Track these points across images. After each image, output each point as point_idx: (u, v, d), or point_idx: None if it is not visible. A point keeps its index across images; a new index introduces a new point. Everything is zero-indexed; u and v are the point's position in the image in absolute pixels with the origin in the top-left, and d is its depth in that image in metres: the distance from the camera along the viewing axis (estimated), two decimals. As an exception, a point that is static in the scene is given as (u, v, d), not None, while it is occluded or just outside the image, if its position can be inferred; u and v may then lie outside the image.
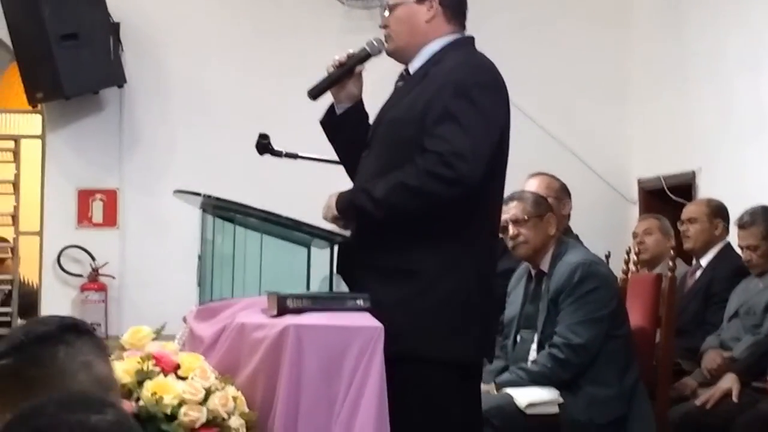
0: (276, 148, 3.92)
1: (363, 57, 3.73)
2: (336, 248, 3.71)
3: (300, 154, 3.97)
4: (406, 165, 3.47)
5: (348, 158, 3.81)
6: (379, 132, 3.68)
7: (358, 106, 3.80)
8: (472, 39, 3.74)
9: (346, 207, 3.58)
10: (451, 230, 3.53)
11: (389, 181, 3.50)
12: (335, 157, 3.96)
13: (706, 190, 6.91)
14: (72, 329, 2.08)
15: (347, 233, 3.67)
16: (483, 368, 3.97)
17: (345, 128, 3.78)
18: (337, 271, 3.68)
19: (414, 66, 3.68)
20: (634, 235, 6.54)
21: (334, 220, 3.65)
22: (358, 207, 3.55)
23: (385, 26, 3.73)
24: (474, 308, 3.59)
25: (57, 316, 2.14)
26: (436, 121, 3.47)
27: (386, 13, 3.73)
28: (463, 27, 3.73)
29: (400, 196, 3.48)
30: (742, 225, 5.64)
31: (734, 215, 5.92)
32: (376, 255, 3.57)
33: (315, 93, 3.80)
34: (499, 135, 3.58)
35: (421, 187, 3.44)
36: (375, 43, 3.73)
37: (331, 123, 3.82)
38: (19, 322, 7.87)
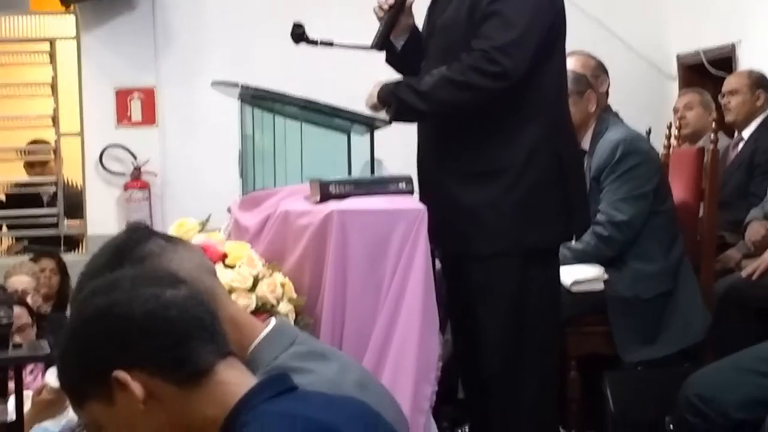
0: (311, 36, 3.88)
1: None
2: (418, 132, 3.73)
3: (335, 41, 3.93)
4: (452, 62, 3.46)
5: (410, 73, 3.75)
6: (433, 41, 3.66)
7: (414, 33, 3.75)
8: None
9: (389, 97, 3.55)
10: (523, 121, 3.52)
11: (434, 76, 3.48)
12: (371, 43, 3.94)
13: (746, 62, 6.82)
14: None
15: (386, 117, 3.67)
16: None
17: (409, 57, 3.73)
18: (418, 172, 3.69)
19: None
20: (675, 110, 6.51)
21: (374, 108, 3.64)
22: (402, 99, 3.53)
23: None
24: (560, 193, 3.60)
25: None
26: (480, 20, 3.45)
27: None
28: None
29: (446, 90, 3.46)
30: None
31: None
32: (457, 158, 3.56)
33: (379, 44, 3.71)
34: (549, 20, 3.52)
35: (466, 81, 3.41)
36: None
37: (395, 59, 3.79)
38: (66, 222, 7.98)
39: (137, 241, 2.15)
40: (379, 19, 3.69)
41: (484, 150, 3.51)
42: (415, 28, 3.75)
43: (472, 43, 3.44)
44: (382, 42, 3.70)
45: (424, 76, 3.53)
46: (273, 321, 2.26)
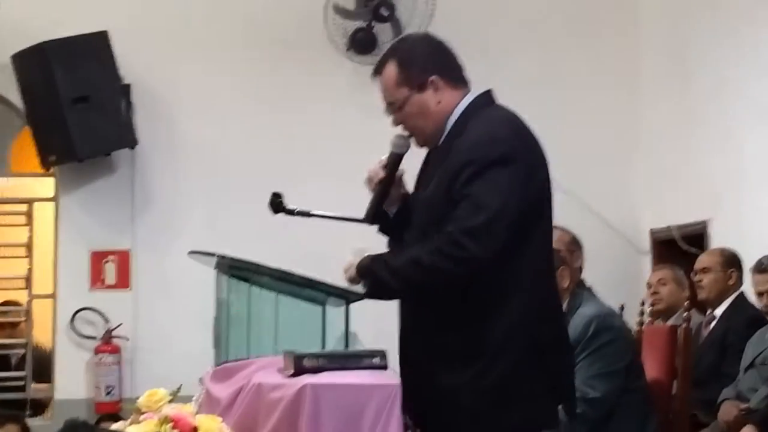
0: (289, 206, 3.88)
1: (396, 161, 3.61)
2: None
3: (312, 211, 3.94)
4: (426, 240, 3.44)
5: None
6: (415, 213, 3.62)
7: (406, 202, 3.71)
8: (489, 93, 3.63)
9: (364, 271, 3.52)
10: (503, 302, 3.44)
11: (405, 255, 3.47)
12: (348, 214, 3.94)
13: (718, 239, 6.89)
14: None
15: (362, 291, 3.64)
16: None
17: (400, 224, 3.68)
18: (399, 348, 3.60)
19: (442, 138, 3.60)
20: (648, 285, 6.53)
21: (351, 281, 3.62)
22: (376, 275, 3.49)
23: (399, 122, 3.61)
24: (542, 370, 3.51)
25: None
26: (455, 201, 3.41)
27: (393, 113, 3.61)
28: (467, 81, 3.63)
29: (413, 271, 3.42)
30: (762, 269, 5.63)
31: (747, 264, 5.92)
32: (434, 337, 3.48)
33: (370, 217, 3.67)
34: (527, 198, 3.46)
35: (431, 264, 3.36)
36: (399, 142, 3.61)
37: (387, 227, 3.74)
38: (33, 386, 7.86)
39: None
40: (371, 191, 3.67)
41: (463, 331, 3.43)
42: (407, 194, 3.72)
43: (443, 224, 3.41)
44: (373, 215, 3.67)
45: (400, 253, 3.52)
46: None
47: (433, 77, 3.54)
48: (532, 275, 3.53)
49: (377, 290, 3.53)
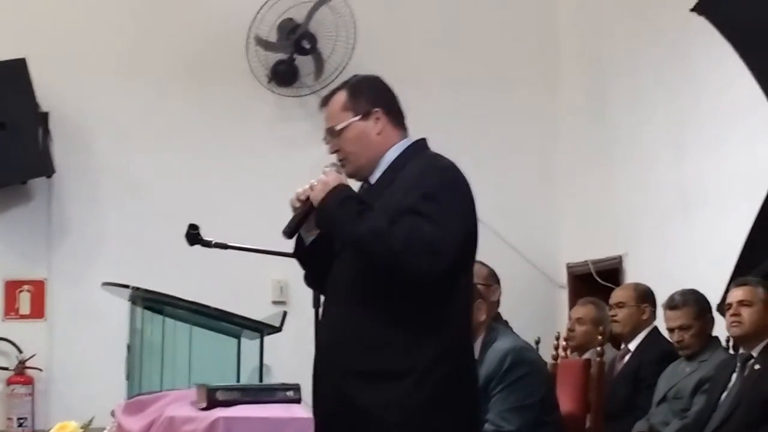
0: (206, 238, 3.87)
1: None
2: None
3: (229, 243, 3.93)
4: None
5: (315, 274, 3.68)
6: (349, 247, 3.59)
7: (324, 235, 3.66)
8: (424, 141, 3.67)
9: (332, 205, 3.43)
10: (440, 326, 3.43)
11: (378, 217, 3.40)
12: (264, 247, 3.92)
13: (632, 274, 6.97)
14: None
15: (277, 319, 3.62)
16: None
17: (316, 254, 3.65)
18: (315, 363, 3.54)
19: (375, 176, 3.59)
20: (569, 318, 6.53)
21: (313, 199, 3.51)
22: (341, 214, 3.42)
23: (336, 151, 3.61)
24: (461, 408, 3.49)
25: None
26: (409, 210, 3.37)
27: (332, 138, 3.61)
28: (406, 128, 3.67)
29: (374, 237, 3.33)
30: (673, 306, 5.68)
31: (660, 298, 5.97)
32: (358, 358, 3.43)
33: (289, 232, 3.64)
34: (473, 223, 3.50)
35: (400, 249, 3.30)
36: (329, 168, 3.59)
37: (302, 254, 3.71)
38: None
39: None
40: (294, 209, 3.62)
41: (393, 349, 3.38)
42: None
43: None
44: (292, 231, 3.62)
45: (376, 213, 3.42)
46: None
47: (377, 110, 3.56)
48: (465, 304, 3.57)
49: (331, 227, 3.49)
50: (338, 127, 3.59)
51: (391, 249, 3.36)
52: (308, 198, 3.60)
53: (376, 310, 3.45)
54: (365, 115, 3.57)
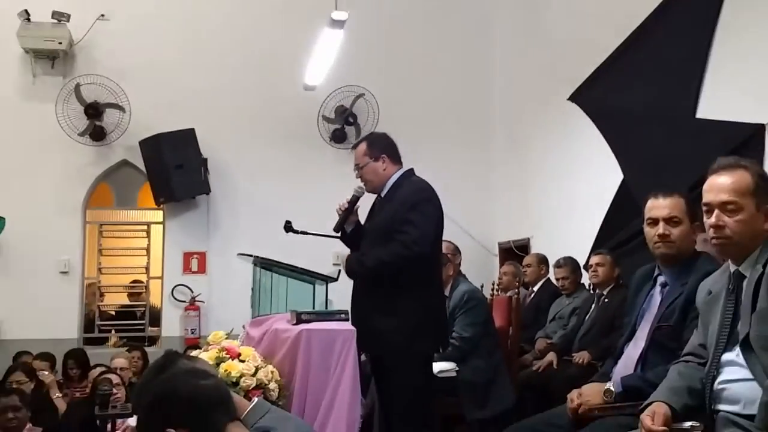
0: (295, 228, 3.91)
1: (355, 200, 3.65)
2: (352, 286, 3.64)
3: (308, 231, 3.96)
4: (386, 244, 3.44)
5: (354, 247, 3.72)
6: (370, 232, 3.62)
7: (358, 225, 3.72)
8: (412, 170, 3.67)
9: (350, 265, 3.55)
10: (418, 281, 3.46)
11: (373, 255, 3.47)
12: (327, 233, 3.94)
13: (535, 248, 6.95)
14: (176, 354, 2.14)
15: (335, 274, 3.64)
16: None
17: (354, 238, 3.70)
18: (352, 305, 3.57)
19: (384, 192, 3.62)
20: (501, 273, 6.55)
21: (343, 211, 3.62)
22: (356, 265, 3.52)
23: (360, 177, 3.65)
24: (433, 328, 3.54)
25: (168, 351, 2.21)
26: (401, 223, 3.43)
27: (358, 170, 3.65)
28: (401, 161, 3.66)
29: (378, 266, 3.45)
30: (558, 266, 5.70)
31: (551, 262, 5.97)
32: (374, 301, 3.48)
33: (337, 228, 3.71)
34: (438, 223, 3.53)
35: (390, 260, 3.41)
36: (359, 189, 3.65)
37: (346, 239, 3.75)
38: (149, 329, 7.79)
39: (172, 360, 2.06)
40: (339, 214, 3.68)
41: (391, 300, 3.46)
42: (359, 222, 3.72)
43: (395, 235, 3.42)
44: (338, 228, 3.70)
45: (371, 253, 3.49)
46: (254, 400, 2.21)
47: (383, 155, 3.61)
48: (434, 274, 3.57)
49: (353, 275, 3.55)
50: (361, 165, 3.64)
51: (384, 261, 3.42)
52: (346, 208, 3.64)
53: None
54: (376, 159, 3.61)
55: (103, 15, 7.45)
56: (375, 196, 3.72)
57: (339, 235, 3.74)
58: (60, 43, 7.14)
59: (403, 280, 3.42)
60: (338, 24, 5.96)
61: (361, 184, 3.66)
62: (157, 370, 1.99)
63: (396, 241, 3.40)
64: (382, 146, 3.63)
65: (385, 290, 3.45)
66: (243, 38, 7.75)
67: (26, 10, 7.06)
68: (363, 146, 3.65)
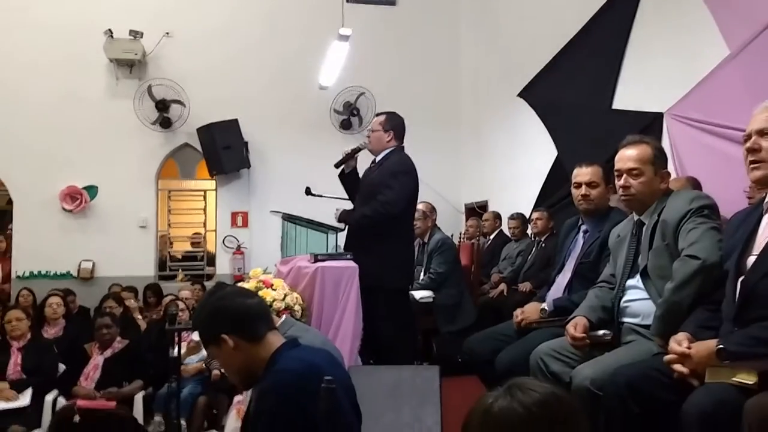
0: (313, 192, 3.88)
1: (358, 150, 3.60)
2: (346, 233, 3.60)
3: (324, 194, 3.94)
4: (370, 202, 3.40)
5: (351, 195, 3.69)
6: (363, 189, 3.58)
7: (354, 171, 3.67)
8: (403, 147, 3.59)
9: (342, 218, 3.52)
10: (393, 234, 3.43)
11: (360, 211, 3.43)
12: (341, 196, 3.90)
13: (492, 207, 6.88)
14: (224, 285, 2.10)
15: (342, 226, 3.61)
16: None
17: (349, 180, 3.66)
18: (345, 247, 3.56)
19: (378, 158, 3.56)
20: (468, 226, 6.54)
21: (337, 219, 3.55)
22: (347, 219, 3.48)
23: (368, 138, 3.58)
24: (406, 266, 3.53)
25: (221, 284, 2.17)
26: (383, 186, 3.39)
27: (369, 132, 3.60)
28: (402, 140, 3.55)
29: (363, 218, 3.42)
30: (511, 218, 5.69)
31: (504, 216, 5.96)
32: (361, 243, 3.46)
33: (337, 165, 3.67)
34: (412, 191, 3.48)
35: (371, 215, 3.37)
36: (363, 143, 3.60)
37: (343, 178, 3.71)
38: (207, 268, 7.79)
39: (221, 287, 2.05)
40: (343, 155, 3.64)
41: (378, 242, 3.44)
42: (355, 169, 3.65)
43: (377, 195, 3.37)
44: (339, 164, 3.65)
45: (359, 210, 3.44)
46: (284, 317, 2.21)
47: (392, 131, 3.54)
48: (408, 226, 3.53)
49: (346, 223, 3.52)
50: (373, 129, 3.56)
51: (366, 215, 3.37)
52: (349, 152, 3.57)
53: None
54: (386, 131, 3.54)
55: (168, 33, 7.37)
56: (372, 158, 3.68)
57: (339, 174, 3.70)
58: (136, 54, 7.11)
59: (383, 231, 3.41)
60: (344, 38, 5.99)
61: (367, 142, 3.60)
62: (211, 293, 2.00)
63: (376, 201, 3.37)
64: (394, 124, 3.57)
65: (368, 237, 3.43)
66: (273, 50, 7.64)
67: (110, 29, 7.04)
68: (382, 117, 3.59)
